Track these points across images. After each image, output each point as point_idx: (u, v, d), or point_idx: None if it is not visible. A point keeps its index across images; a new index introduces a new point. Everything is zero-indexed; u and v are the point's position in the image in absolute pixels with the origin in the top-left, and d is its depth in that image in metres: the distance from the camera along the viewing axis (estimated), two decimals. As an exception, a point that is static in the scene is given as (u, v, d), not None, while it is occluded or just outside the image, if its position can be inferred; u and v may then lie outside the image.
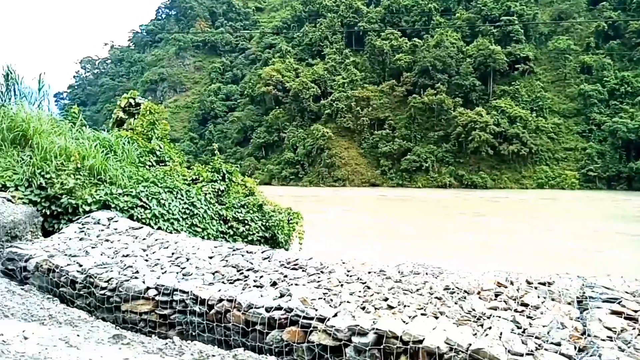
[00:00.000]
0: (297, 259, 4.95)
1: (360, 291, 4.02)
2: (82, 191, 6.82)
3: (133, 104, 10.56)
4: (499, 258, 22.59)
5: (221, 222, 8.37)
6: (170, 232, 7.09)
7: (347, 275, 4.43)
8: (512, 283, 4.00)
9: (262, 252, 5.21)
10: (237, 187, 9.60)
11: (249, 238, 8.57)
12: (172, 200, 7.57)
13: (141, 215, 7.04)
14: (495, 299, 3.73)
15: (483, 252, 24.47)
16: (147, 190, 7.31)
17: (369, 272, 4.45)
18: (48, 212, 6.63)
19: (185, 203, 7.74)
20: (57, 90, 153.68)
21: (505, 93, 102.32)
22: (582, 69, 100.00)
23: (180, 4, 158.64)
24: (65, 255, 5.12)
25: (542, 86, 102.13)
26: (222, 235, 8.23)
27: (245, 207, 8.88)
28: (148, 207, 7.17)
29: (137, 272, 4.68)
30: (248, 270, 4.70)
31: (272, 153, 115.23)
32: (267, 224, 9.00)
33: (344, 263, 4.79)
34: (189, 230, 7.57)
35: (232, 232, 8.42)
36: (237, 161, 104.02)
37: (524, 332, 3.24)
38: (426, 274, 4.32)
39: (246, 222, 8.67)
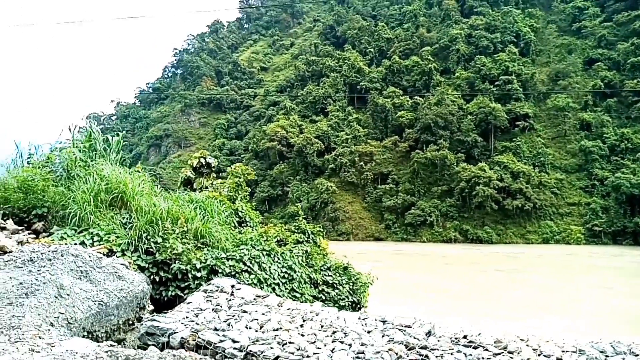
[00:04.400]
0: (465, 334, 4.60)
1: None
2: (189, 256, 6.51)
3: (204, 163, 10.44)
4: (591, 322, 21.66)
5: (312, 286, 8.01)
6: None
7: (541, 355, 4.08)
8: None
9: (420, 326, 4.86)
10: (315, 248, 9.29)
11: (340, 303, 8.17)
12: (271, 264, 7.25)
13: (246, 281, 6.69)
14: None
15: (559, 313, 23.57)
16: (249, 254, 7.00)
17: (564, 351, 4.10)
18: (157, 279, 6.30)
19: (283, 267, 7.41)
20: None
21: (507, 149, 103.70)
22: (581, 126, 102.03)
23: (187, 63, 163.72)
24: (209, 329, 4.75)
25: (543, 142, 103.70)
26: (314, 300, 7.84)
27: (332, 269, 8.54)
28: (253, 272, 6.84)
29: (302, 349, 4.31)
30: (422, 348, 4.34)
31: (276, 207, 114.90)
32: (353, 287, 8.62)
33: (522, 340, 4.44)
34: (289, 296, 7.20)
35: (324, 297, 8.03)
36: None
37: None
38: (632, 352, 3.98)
39: (335, 285, 8.30)
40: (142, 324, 4.84)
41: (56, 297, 4.19)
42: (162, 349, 4.70)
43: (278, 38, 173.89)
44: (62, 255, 4.94)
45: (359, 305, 8.78)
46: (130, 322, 5.08)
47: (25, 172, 8.11)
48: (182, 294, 6.30)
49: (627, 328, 20.04)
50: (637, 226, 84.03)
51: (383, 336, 4.64)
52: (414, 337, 4.57)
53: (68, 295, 4.33)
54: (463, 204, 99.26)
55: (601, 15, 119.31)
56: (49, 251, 5.04)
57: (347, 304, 8.27)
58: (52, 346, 3.40)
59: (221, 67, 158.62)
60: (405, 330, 4.77)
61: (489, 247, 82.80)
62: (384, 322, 5.02)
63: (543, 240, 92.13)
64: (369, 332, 4.76)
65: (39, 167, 8.57)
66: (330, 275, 8.30)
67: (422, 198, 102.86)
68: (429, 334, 4.72)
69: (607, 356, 3.98)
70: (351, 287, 8.52)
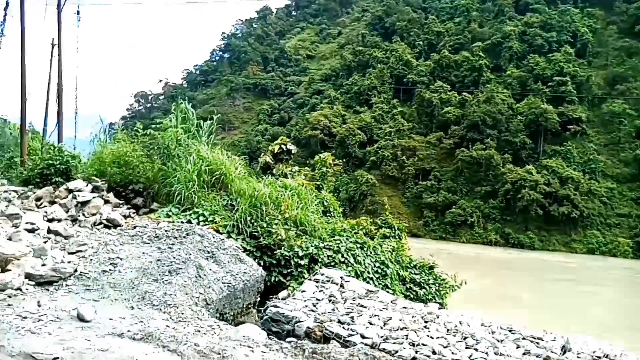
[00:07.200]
0: (605, 353, 4.34)
1: None
2: (291, 243, 6.46)
3: (284, 149, 10.41)
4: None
5: (400, 283, 7.85)
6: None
7: None
8: None
9: (554, 340, 4.64)
10: (399, 244, 9.12)
11: (427, 304, 7.97)
12: (365, 257, 7.13)
13: (344, 272, 6.59)
14: None
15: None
16: (345, 245, 6.90)
17: None
18: (261, 263, 6.29)
19: (376, 261, 7.27)
20: (110, 121, 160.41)
21: (556, 153, 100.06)
22: (637, 134, 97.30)
23: (234, 48, 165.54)
24: (331, 320, 4.68)
25: (594, 149, 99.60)
26: (404, 298, 7.68)
27: (417, 267, 8.35)
28: (349, 264, 6.74)
29: (438, 353, 4.17)
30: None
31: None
32: (439, 288, 8.41)
33: None
34: (383, 292, 7.07)
35: (411, 296, 7.86)
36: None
37: None
38: None
39: (422, 284, 8.11)
40: (266, 309, 4.82)
41: (197, 278, 4.20)
42: (286, 336, 4.66)
43: (325, 27, 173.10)
44: (188, 235, 4.96)
45: (442, 309, 8.55)
46: (250, 306, 5.07)
47: (122, 146, 8.25)
48: (284, 280, 6.27)
49: None
50: (689, 242, 79.95)
51: (517, 347, 4.44)
52: (551, 352, 4.35)
53: (205, 276, 4.33)
54: (506, 207, 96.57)
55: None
56: (173, 229, 5.07)
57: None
58: (212, 328, 3.36)
59: (268, 53, 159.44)
60: (538, 343, 4.55)
61: (531, 253, 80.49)
62: (512, 331, 4.81)
63: (588, 250, 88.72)
64: (500, 341, 4.56)
65: (131, 143, 8.70)
66: (417, 274, 8.12)
67: (464, 197, 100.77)
68: (563, 349, 4.48)
69: None
70: (437, 288, 8.31)
